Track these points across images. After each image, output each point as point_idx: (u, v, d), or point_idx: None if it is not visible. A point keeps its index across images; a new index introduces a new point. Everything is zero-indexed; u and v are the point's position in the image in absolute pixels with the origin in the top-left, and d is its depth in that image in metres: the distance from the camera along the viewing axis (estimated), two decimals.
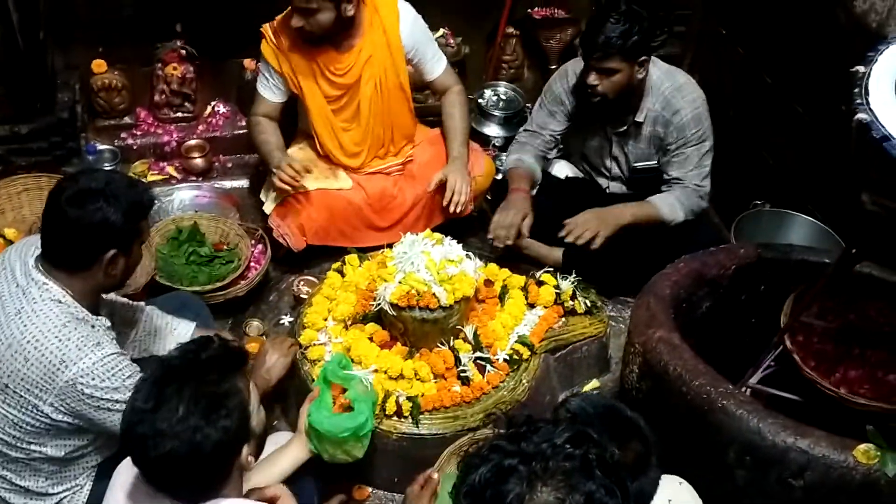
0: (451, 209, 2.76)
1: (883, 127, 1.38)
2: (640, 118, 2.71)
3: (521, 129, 3.03)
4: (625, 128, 2.76)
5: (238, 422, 1.47)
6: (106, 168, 3.06)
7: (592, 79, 2.58)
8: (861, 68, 1.49)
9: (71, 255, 1.78)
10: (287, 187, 2.67)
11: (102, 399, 1.75)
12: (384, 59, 2.72)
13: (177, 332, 2.21)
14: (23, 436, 1.79)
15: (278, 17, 2.70)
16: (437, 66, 2.87)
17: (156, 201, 2.97)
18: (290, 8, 2.61)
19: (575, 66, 2.79)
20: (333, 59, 2.70)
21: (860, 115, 1.41)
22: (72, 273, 1.79)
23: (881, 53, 1.52)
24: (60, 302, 1.76)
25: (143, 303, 2.23)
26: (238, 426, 1.48)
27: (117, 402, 1.74)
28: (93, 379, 1.73)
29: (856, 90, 1.45)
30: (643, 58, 2.56)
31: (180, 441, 1.40)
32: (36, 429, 1.78)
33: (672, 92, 2.68)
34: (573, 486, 1.08)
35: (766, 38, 3.03)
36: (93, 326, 1.79)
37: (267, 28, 2.71)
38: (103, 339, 1.78)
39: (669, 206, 2.73)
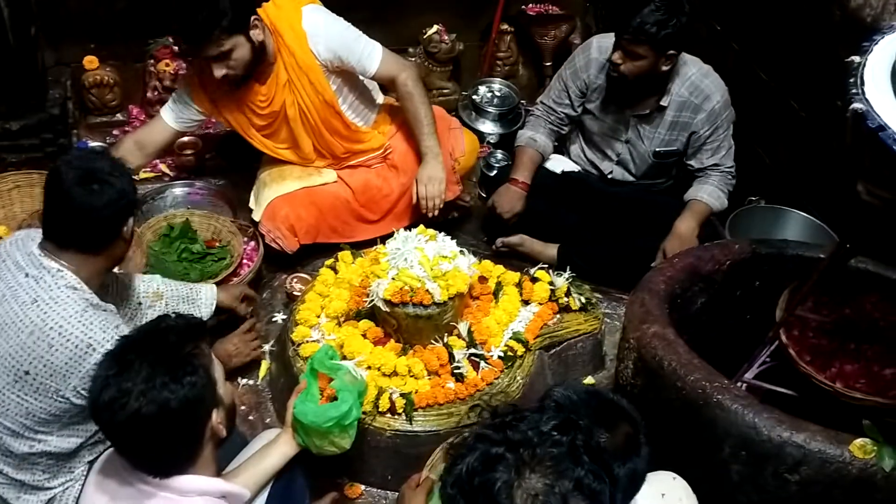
0: (429, 216, 2.72)
1: (878, 116, 1.36)
2: (664, 102, 2.70)
3: (539, 99, 3.02)
4: (647, 111, 2.75)
5: (204, 380, 1.49)
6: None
7: (616, 56, 2.58)
8: (856, 58, 1.48)
9: (95, 235, 1.84)
10: None
11: None
12: (300, 80, 2.62)
13: (202, 293, 2.34)
14: (33, 425, 1.80)
15: (196, 64, 2.62)
16: (371, 63, 2.65)
17: (148, 199, 3.02)
18: (197, 58, 2.51)
19: (601, 40, 2.78)
20: (256, 93, 2.63)
21: (855, 105, 1.40)
22: (92, 254, 1.85)
23: (876, 44, 1.51)
24: (76, 289, 1.80)
25: (158, 276, 2.33)
26: (204, 384, 1.49)
27: None
28: None
29: (851, 80, 1.44)
30: (672, 52, 2.55)
31: (147, 399, 1.42)
32: (50, 416, 1.79)
33: (699, 77, 2.69)
34: (561, 472, 1.08)
35: (760, 34, 3.02)
36: (106, 310, 1.84)
37: (193, 71, 2.67)
38: (120, 322, 1.84)
39: (717, 198, 2.78)
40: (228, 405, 1.60)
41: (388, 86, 2.83)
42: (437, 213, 2.74)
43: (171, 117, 2.69)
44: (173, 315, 1.59)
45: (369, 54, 2.65)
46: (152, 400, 1.42)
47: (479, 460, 1.11)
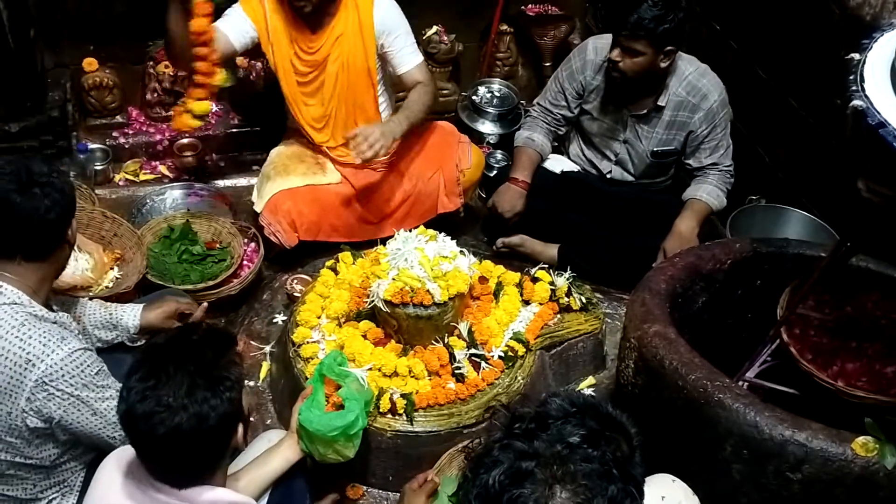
0: (353, 155, 2.62)
1: (878, 113, 1.36)
2: (662, 102, 2.70)
3: (535, 101, 3.03)
4: (644, 111, 2.75)
5: (239, 394, 1.48)
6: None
7: (615, 54, 2.58)
8: (856, 56, 1.48)
9: (42, 242, 1.74)
10: None
11: (72, 397, 1.69)
12: (354, 39, 2.68)
13: (125, 316, 2.11)
14: (3, 446, 1.73)
15: None
16: (407, 61, 2.75)
17: (148, 200, 3.02)
18: None
19: (596, 41, 2.79)
20: (307, 39, 2.69)
21: (855, 102, 1.40)
22: (38, 262, 1.75)
23: (876, 41, 1.51)
24: (17, 303, 1.71)
25: (84, 297, 2.18)
26: (239, 398, 1.48)
27: (85, 400, 1.70)
28: (62, 376, 1.67)
29: (851, 77, 1.44)
30: (670, 48, 2.55)
31: (188, 414, 1.39)
32: (15, 439, 1.72)
33: (696, 76, 2.69)
34: (594, 489, 1.06)
35: (759, 33, 3.02)
36: (54, 322, 1.74)
37: None
38: (66, 334, 1.72)
39: (716, 196, 2.78)
40: (246, 417, 1.59)
41: (409, 89, 2.83)
42: (360, 160, 2.63)
43: (225, 25, 2.64)
44: (204, 325, 1.56)
45: (411, 53, 2.76)
46: (194, 414, 1.39)
47: (507, 474, 1.07)
